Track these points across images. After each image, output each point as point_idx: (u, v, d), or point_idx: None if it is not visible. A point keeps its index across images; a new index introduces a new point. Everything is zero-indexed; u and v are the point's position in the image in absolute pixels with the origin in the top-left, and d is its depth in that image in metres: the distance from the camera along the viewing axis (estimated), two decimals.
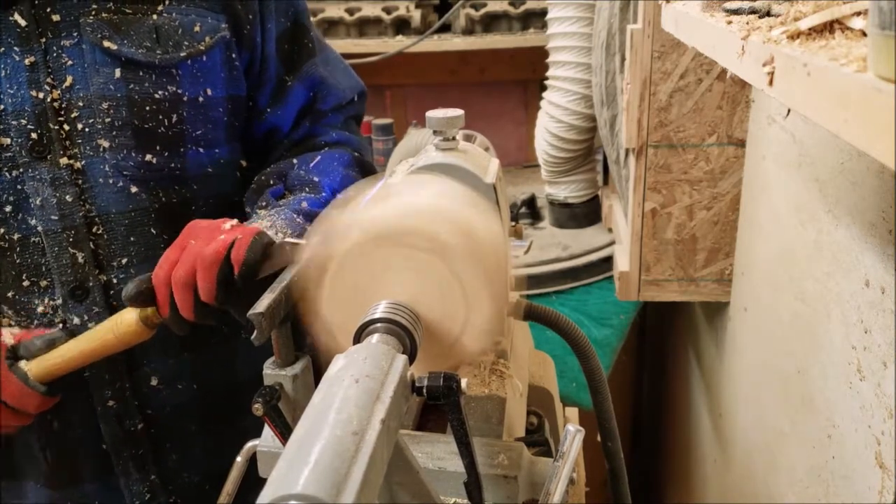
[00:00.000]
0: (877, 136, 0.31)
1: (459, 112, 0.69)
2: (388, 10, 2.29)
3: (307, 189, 0.92)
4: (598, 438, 0.80)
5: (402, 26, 2.33)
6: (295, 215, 0.84)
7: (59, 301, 0.83)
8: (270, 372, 0.65)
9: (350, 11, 2.30)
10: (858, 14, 0.41)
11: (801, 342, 0.88)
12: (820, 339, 0.82)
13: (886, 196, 0.65)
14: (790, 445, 0.93)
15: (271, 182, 0.93)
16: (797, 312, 0.90)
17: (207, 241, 0.74)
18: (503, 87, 2.57)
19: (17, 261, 0.82)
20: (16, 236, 0.82)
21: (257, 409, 0.60)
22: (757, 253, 1.10)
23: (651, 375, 2.23)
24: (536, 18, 2.25)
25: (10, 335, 0.80)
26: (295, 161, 0.96)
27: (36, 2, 0.79)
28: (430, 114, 0.69)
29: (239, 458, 0.70)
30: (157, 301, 0.75)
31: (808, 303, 0.86)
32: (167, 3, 0.85)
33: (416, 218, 0.52)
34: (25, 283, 0.83)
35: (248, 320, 0.60)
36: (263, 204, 0.88)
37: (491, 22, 2.29)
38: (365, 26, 2.34)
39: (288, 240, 0.75)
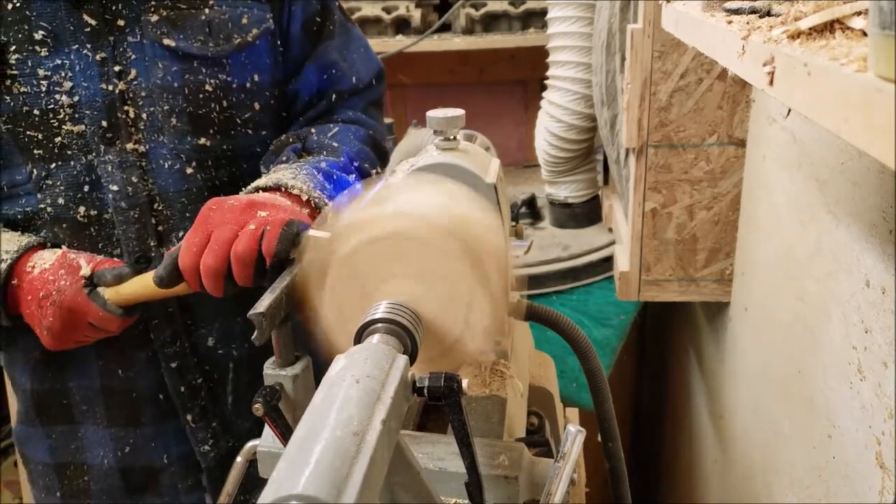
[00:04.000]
0: (877, 136, 0.31)
1: (460, 112, 0.69)
2: (388, 10, 2.29)
3: (325, 152, 0.97)
4: (599, 439, 0.80)
5: (402, 26, 2.33)
6: (315, 172, 0.90)
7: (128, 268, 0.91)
8: (271, 372, 0.65)
9: (350, 11, 2.30)
10: (859, 14, 0.41)
11: (802, 342, 0.88)
12: (820, 339, 0.82)
13: (887, 196, 0.65)
14: (790, 445, 0.93)
15: (291, 140, 0.98)
16: (798, 312, 0.90)
17: (234, 228, 0.76)
18: (503, 87, 2.57)
19: (94, 234, 0.92)
20: (93, 213, 0.91)
21: (257, 409, 0.60)
22: (757, 253, 1.10)
23: (651, 375, 2.23)
24: (536, 18, 2.24)
25: (86, 264, 0.87)
26: (312, 129, 1.01)
27: (103, 1, 0.86)
28: (431, 114, 0.69)
29: (239, 459, 0.70)
30: (189, 284, 0.79)
31: (808, 303, 0.86)
32: None
33: (416, 218, 0.52)
34: (102, 253, 0.92)
35: None
36: (284, 159, 0.94)
37: (491, 22, 2.29)
38: (365, 26, 2.33)
39: (312, 233, 0.76)
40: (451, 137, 0.69)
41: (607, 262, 1.77)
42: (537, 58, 1.96)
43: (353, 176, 0.96)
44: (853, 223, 0.73)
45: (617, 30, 1.39)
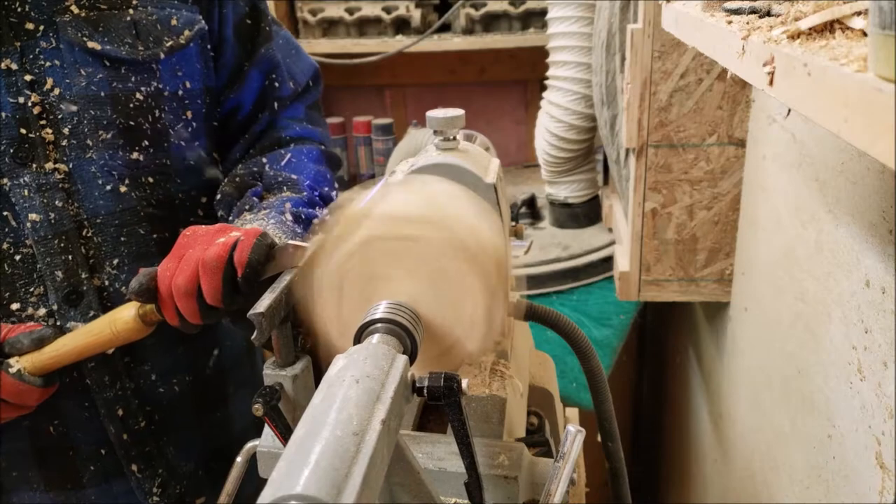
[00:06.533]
0: (877, 136, 0.31)
1: (460, 112, 0.69)
2: (388, 10, 2.29)
3: (286, 188, 0.91)
4: (599, 439, 0.80)
5: (402, 26, 2.33)
6: (284, 217, 0.83)
7: (55, 307, 0.82)
8: (270, 372, 0.65)
9: (350, 11, 2.30)
10: (859, 14, 0.41)
11: (802, 342, 0.88)
12: (820, 339, 0.82)
13: (887, 196, 0.65)
14: (790, 445, 0.93)
15: (249, 182, 0.92)
16: (798, 312, 0.90)
17: (206, 245, 0.72)
18: (503, 86, 2.57)
19: (10, 272, 0.81)
20: (6, 247, 0.80)
21: (257, 409, 0.60)
22: (757, 253, 1.10)
23: (651, 375, 2.23)
24: (536, 18, 2.24)
25: None
26: (264, 160, 0.95)
27: (5, 2, 0.76)
28: (431, 114, 0.69)
29: (239, 459, 0.70)
30: (164, 315, 0.75)
31: (808, 303, 0.86)
32: None
33: (416, 219, 0.52)
34: (22, 294, 0.82)
35: (247, 322, 0.60)
36: (247, 207, 0.87)
37: (491, 22, 2.29)
38: (365, 26, 2.33)
39: (291, 242, 0.75)
40: (451, 137, 0.69)
41: (607, 262, 1.77)
42: (537, 58, 1.96)
43: (318, 207, 0.91)
44: (853, 223, 0.73)
45: (617, 30, 1.39)
